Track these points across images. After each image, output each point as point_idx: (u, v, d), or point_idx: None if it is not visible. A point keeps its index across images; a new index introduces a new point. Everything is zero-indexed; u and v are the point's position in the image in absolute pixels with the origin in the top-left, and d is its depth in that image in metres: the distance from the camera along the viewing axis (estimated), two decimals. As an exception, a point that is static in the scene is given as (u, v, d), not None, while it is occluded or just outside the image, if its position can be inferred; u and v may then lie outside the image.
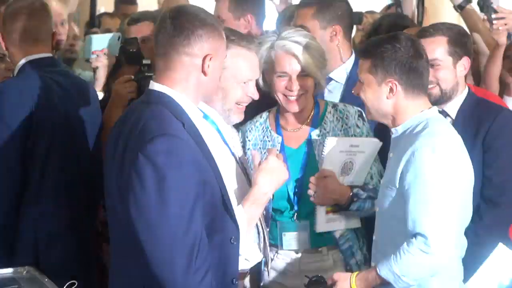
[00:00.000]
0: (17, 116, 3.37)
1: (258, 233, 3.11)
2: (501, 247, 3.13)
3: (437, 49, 3.33)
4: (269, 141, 3.35)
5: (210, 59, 2.67)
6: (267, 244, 3.17)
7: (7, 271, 2.95)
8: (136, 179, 2.55)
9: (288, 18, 4.43)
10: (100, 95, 3.80)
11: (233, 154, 3.10)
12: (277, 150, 3.29)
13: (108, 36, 3.88)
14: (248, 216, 2.89)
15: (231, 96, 3.03)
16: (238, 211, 2.85)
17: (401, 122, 2.98)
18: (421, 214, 2.84)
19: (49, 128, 3.42)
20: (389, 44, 2.96)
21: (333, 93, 3.72)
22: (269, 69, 3.30)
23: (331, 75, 3.77)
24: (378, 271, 2.92)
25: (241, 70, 3.02)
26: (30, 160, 3.39)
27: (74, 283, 2.80)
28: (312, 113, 3.38)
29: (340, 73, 3.81)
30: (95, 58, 3.80)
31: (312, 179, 3.20)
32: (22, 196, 3.39)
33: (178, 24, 2.66)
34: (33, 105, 3.39)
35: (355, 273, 3.01)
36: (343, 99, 3.66)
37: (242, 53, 3.02)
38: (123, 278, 2.72)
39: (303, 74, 3.27)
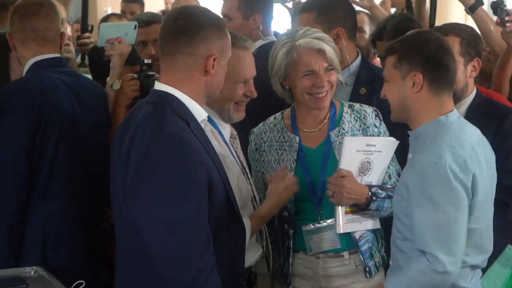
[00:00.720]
0: (25, 116, 3.36)
1: (260, 231, 3.11)
2: (509, 249, 3.13)
3: None
4: (285, 141, 3.33)
5: (215, 59, 2.68)
6: (269, 242, 3.17)
7: (15, 271, 2.96)
8: (141, 179, 2.56)
9: None
10: (117, 85, 3.73)
11: (233, 154, 3.10)
12: (295, 150, 3.28)
13: (123, 24, 3.82)
14: (253, 230, 2.93)
15: (229, 96, 3.03)
16: (245, 222, 2.87)
17: (421, 123, 2.93)
18: (429, 234, 2.80)
19: (57, 128, 3.41)
20: (415, 39, 2.94)
21: (337, 96, 3.70)
22: (292, 73, 3.27)
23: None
24: None
25: (238, 71, 3.01)
26: (37, 160, 3.38)
27: (82, 283, 2.80)
28: (329, 113, 3.36)
29: (346, 75, 3.79)
30: (109, 47, 3.74)
31: (330, 179, 3.19)
32: (30, 196, 3.39)
33: (182, 24, 2.67)
34: (41, 105, 3.38)
35: None
36: (350, 101, 3.62)
37: (238, 53, 2.99)
38: (128, 277, 2.73)
39: (329, 69, 3.27)
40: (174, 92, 2.68)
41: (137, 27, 3.87)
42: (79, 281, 2.82)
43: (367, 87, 3.75)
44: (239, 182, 3.01)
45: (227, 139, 3.11)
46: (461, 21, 4.67)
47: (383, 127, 3.36)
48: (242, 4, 4.32)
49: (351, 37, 3.87)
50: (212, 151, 2.70)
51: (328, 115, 3.35)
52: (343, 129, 3.31)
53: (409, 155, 3.03)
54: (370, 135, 3.31)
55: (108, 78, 3.76)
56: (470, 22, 4.35)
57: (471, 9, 4.13)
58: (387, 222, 3.29)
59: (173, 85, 2.69)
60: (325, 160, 3.28)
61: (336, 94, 3.63)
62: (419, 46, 2.91)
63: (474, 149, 2.89)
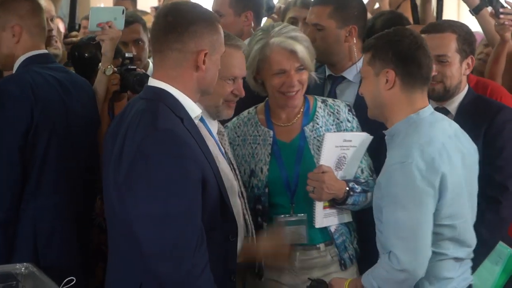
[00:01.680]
0: (18, 112, 3.34)
1: (247, 226, 3.11)
2: (501, 245, 3.13)
3: (447, 45, 3.35)
4: (259, 135, 3.35)
5: (205, 55, 2.66)
6: (255, 238, 3.17)
7: (6, 267, 2.93)
8: (134, 174, 2.55)
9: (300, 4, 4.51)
10: (109, 71, 3.68)
11: (220, 150, 3.10)
12: (269, 144, 3.30)
13: (111, 8, 3.78)
14: None
15: (218, 93, 3.01)
16: None
17: (394, 121, 2.94)
18: (392, 233, 2.82)
19: (49, 123, 3.40)
20: (389, 35, 2.95)
21: (344, 93, 3.75)
22: (264, 69, 3.30)
23: (344, 74, 3.80)
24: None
25: (228, 68, 3.01)
26: (30, 156, 3.37)
27: (72, 280, 2.79)
28: (303, 108, 3.38)
29: (354, 73, 3.81)
30: (100, 31, 3.68)
31: (310, 175, 3.21)
32: (22, 192, 3.37)
33: (171, 21, 2.67)
34: (33, 101, 3.36)
35: (349, 280, 3.04)
36: (357, 98, 3.62)
37: (230, 51, 2.99)
38: (120, 274, 2.72)
39: (300, 69, 3.29)
40: (167, 88, 2.68)
41: (124, 12, 3.82)
42: (70, 278, 2.80)
43: None
44: (227, 178, 3.01)
45: (215, 134, 3.10)
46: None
47: (355, 122, 3.40)
48: (234, 0, 4.32)
49: (361, 35, 3.87)
50: (205, 148, 2.70)
51: (302, 110, 3.38)
52: (317, 124, 3.35)
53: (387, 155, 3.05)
54: (344, 130, 3.36)
55: (100, 65, 3.71)
56: (462, 20, 4.34)
57: (475, 10, 4.12)
58: (359, 215, 3.37)
59: (166, 81, 2.69)
60: (300, 154, 3.31)
61: (343, 92, 3.74)
62: (392, 42, 2.92)
63: (445, 145, 2.87)
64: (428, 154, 2.81)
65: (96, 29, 3.70)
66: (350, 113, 3.41)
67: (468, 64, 3.42)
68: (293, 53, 3.26)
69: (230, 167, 3.08)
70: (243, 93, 3.09)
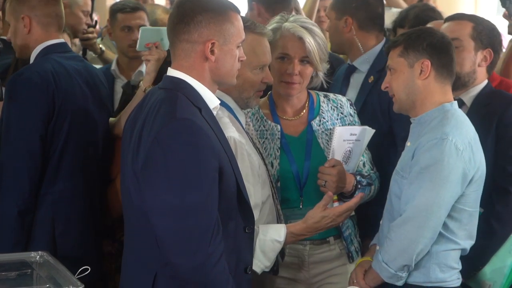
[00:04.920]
0: (39, 101, 3.37)
1: (279, 216, 3.11)
2: None
3: (460, 29, 3.35)
4: (266, 130, 3.34)
5: (213, 44, 2.64)
6: None
7: (21, 255, 2.95)
8: (152, 163, 2.54)
9: None
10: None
11: (251, 139, 3.10)
12: (278, 138, 3.30)
13: (159, 29, 3.79)
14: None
15: (249, 84, 3.03)
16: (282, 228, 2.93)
17: (424, 111, 3.01)
18: (407, 203, 2.91)
19: (70, 112, 3.43)
20: (420, 30, 3.06)
21: (355, 82, 3.85)
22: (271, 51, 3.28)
23: (354, 63, 3.90)
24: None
25: (257, 56, 3.02)
26: (50, 144, 3.39)
27: (87, 269, 2.78)
28: (307, 102, 3.39)
29: (360, 61, 3.90)
30: (148, 52, 3.68)
31: (321, 169, 3.23)
32: (41, 180, 3.39)
33: (180, 11, 2.66)
34: (55, 90, 3.39)
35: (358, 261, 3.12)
36: (361, 87, 3.76)
37: (256, 38, 3.02)
38: (136, 263, 2.71)
39: (305, 60, 3.27)
40: (186, 78, 2.67)
41: None
42: (85, 267, 2.80)
43: (375, 75, 3.82)
44: (260, 168, 3.02)
45: (244, 126, 3.11)
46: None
47: (356, 116, 3.44)
48: None
49: (364, 27, 3.93)
50: (223, 138, 2.69)
51: (307, 104, 3.39)
52: (324, 118, 3.37)
53: (408, 143, 3.09)
54: (348, 124, 3.39)
55: (141, 83, 3.70)
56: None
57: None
58: (358, 209, 3.36)
59: (183, 72, 2.67)
60: (309, 148, 3.32)
61: (355, 80, 3.84)
62: (424, 34, 3.01)
63: (475, 135, 2.99)
64: (466, 138, 2.91)
65: (144, 49, 3.70)
66: (351, 107, 3.45)
67: (485, 56, 3.38)
68: (300, 40, 3.25)
69: (260, 157, 3.07)
70: (272, 79, 3.10)
